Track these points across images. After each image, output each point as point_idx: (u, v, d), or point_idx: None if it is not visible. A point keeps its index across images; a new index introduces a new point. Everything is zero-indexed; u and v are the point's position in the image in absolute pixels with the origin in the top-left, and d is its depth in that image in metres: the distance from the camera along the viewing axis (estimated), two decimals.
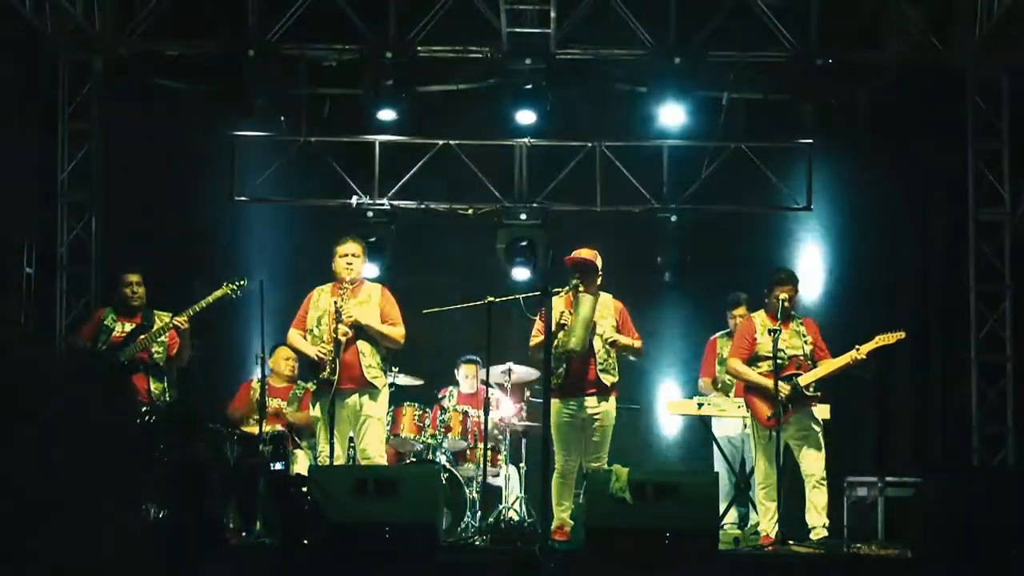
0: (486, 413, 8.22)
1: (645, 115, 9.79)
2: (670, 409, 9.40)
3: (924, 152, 10.25)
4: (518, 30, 9.47)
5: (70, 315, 9.74)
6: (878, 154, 10.27)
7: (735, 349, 8.39)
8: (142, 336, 8.15)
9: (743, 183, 10.15)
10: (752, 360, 8.20)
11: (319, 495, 6.68)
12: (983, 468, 9.34)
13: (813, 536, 7.92)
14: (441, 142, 10.04)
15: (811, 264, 10.40)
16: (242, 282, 8.15)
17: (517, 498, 8.96)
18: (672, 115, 9.64)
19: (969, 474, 8.46)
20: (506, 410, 9.08)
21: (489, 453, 8.60)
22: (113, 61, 9.94)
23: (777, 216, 10.43)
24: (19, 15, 9.24)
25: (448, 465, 8.82)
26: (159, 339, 8.16)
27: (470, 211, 10.20)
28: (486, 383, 8.37)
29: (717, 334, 9.48)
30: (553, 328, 7.49)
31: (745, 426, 8.90)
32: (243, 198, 10.08)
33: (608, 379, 7.97)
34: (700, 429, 9.57)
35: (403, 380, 9.06)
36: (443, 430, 8.98)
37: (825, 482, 8.03)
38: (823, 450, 8.10)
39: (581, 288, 7.92)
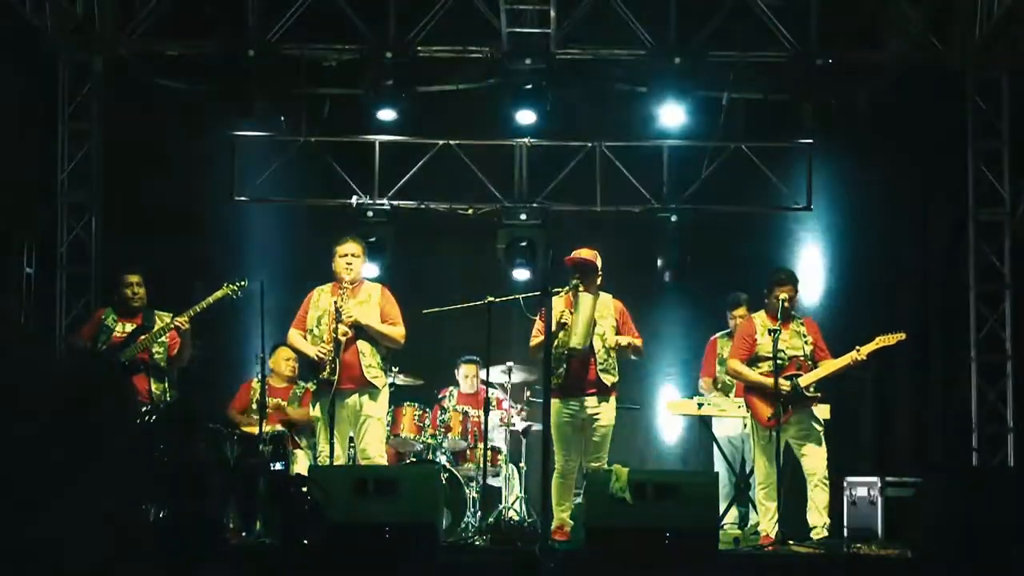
0: (486, 413, 8.22)
1: (645, 115, 9.80)
2: (670, 409, 9.41)
3: (924, 152, 10.26)
4: (518, 30, 9.48)
5: (70, 315, 9.74)
6: (878, 154, 10.28)
7: (735, 350, 8.40)
8: (143, 336, 8.15)
9: (743, 183, 10.15)
10: (752, 360, 8.21)
11: (319, 495, 6.68)
12: (983, 468, 9.34)
13: (814, 536, 7.93)
14: (441, 142, 10.05)
15: (811, 264, 10.40)
16: (243, 283, 8.15)
17: (517, 498, 8.96)
18: (672, 115, 9.64)
19: (969, 474, 8.46)
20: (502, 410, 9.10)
21: (489, 453, 8.60)
22: (113, 61, 9.94)
23: (777, 216, 10.43)
24: (19, 15, 9.25)
25: (448, 465, 8.82)
26: (160, 339, 8.16)
27: (470, 211, 10.20)
28: (486, 383, 8.36)
29: (717, 334, 9.48)
30: (553, 328, 7.50)
31: (745, 426, 8.90)
32: (243, 198, 10.09)
33: (608, 379, 7.97)
34: (700, 429, 9.58)
35: (403, 380, 9.05)
36: (443, 430, 8.99)
37: (827, 481, 8.03)
38: (825, 449, 8.11)
39: (581, 288, 7.92)
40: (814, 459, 8.06)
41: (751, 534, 8.59)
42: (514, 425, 9.15)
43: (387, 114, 9.71)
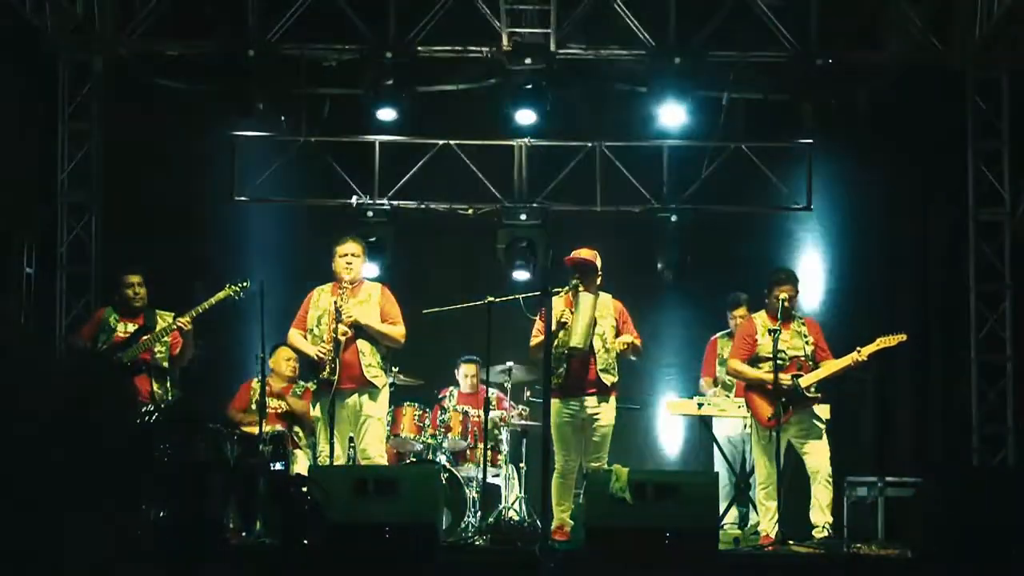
0: (486, 413, 8.22)
1: (645, 115, 9.79)
2: (670, 409, 9.40)
3: (924, 152, 10.25)
4: (518, 30, 9.47)
5: (70, 315, 9.74)
6: (878, 154, 10.28)
7: (736, 350, 8.40)
8: (145, 337, 8.15)
9: (743, 183, 10.15)
10: (753, 361, 8.21)
11: (319, 495, 6.68)
12: (983, 468, 9.33)
13: (816, 534, 7.92)
14: (441, 142, 10.05)
15: (811, 264, 10.40)
16: (245, 284, 8.14)
17: (517, 498, 8.97)
18: (672, 115, 9.63)
19: (969, 474, 8.45)
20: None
21: (489, 453, 8.60)
22: (113, 61, 9.94)
23: (777, 216, 10.43)
24: (19, 15, 9.25)
25: (448, 465, 8.82)
26: (163, 339, 8.17)
27: (470, 211, 10.20)
28: (486, 383, 8.36)
29: (717, 334, 9.48)
30: (553, 328, 7.50)
31: (745, 426, 8.91)
32: (243, 198, 10.08)
33: (608, 379, 7.97)
34: (700, 429, 9.58)
35: (403, 380, 9.05)
36: (443, 430, 8.99)
37: (831, 480, 8.03)
38: (827, 446, 8.11)
39: (581, 288, 7.92)
40: (817, 457, 8.06)
41: (751, 534, 8.59)
42: (514, 425, 9.15)
43: (387, 114, 9.70)
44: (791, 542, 7.79)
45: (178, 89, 9.88)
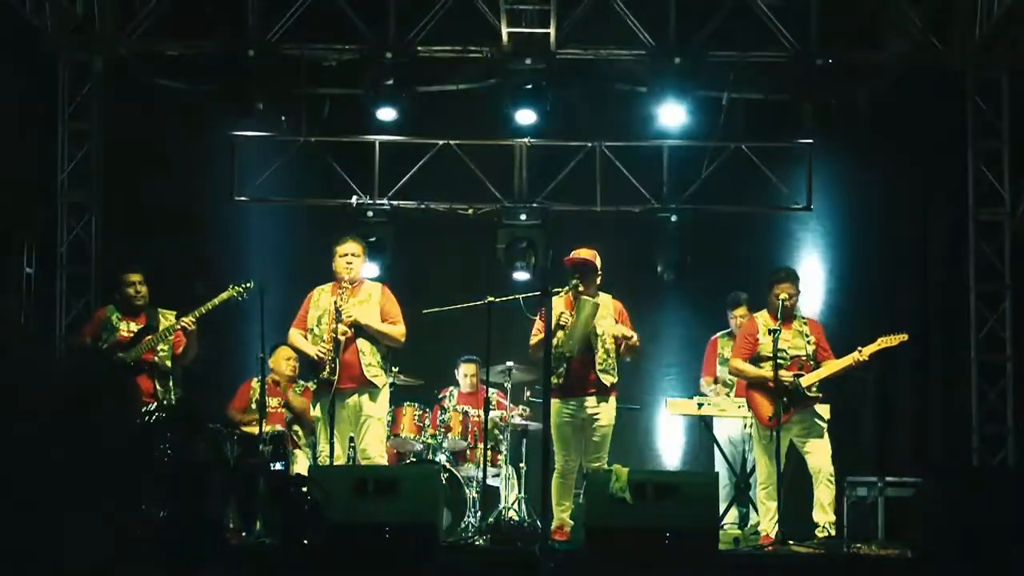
0: (486, 413, 8.22)
1: (645, 115, 9.79)
2: (670, 409, 9.40)
3: (924, 152, 10.26)
4: (518, 30, 9.47)
5: (70, 315, 9.74)
6: (878, 154, 10.28)
7: (737, 349, 8.40)
8: (148, 336, 8.16)
9: (743, 183, 10.15)
10: (754, 360, 8.21)
11: (319, 495, 6.68)
12: (983, 468, 9.33)
13: (818, 533, 7.92)
14: (441, 142, 10.04)
15: (811, 264, 10.39)
16: (248, 284, 8.12)
17: (517, 498, 8.97)
18: (672, 115, 9.64)
19: (969, 474, 8.46)
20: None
21: (489, 453, 8.60)
22: (113, 61, 9.94)
23: (777, 216, 10.43)
24: (19, 15, 9.25)
25: (448, 465, 8.82)
26: (166, 339, 8.17)
27: (470, 211, 10.20)
28: (486, 383, 8.36)
29: (718, 334, 9.48)
30: (553, 328, 7.50)
31: (746, 426, 8.91)
32: (243, 198, 10.08)
33: (608, 379, 7.97)
34: (700, 429, 9.58)
35: (403, 380, 9.05)
36: (443, 430, 8.99)
37: (833, 479, 8.04)
38: (829, 445, 8.11)
39: (581, 288, 7.92)
40: (818, 456, 8.06)
41: (751, 534, 8.59)
42: (515, 424, 9.14)
43: (387, 114, 9.71)
44: (791, 542, 7.79)
45: (178, 89, 9.88)
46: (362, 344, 7.88)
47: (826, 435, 8.13)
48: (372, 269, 9.10)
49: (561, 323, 7.82)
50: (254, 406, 8.62)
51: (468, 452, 9.09)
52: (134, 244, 9.60)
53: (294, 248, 10.14)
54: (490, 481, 8.93)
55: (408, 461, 9.09)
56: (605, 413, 7.98)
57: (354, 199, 9.98)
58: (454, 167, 10.04)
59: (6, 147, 9.31)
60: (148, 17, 9.72)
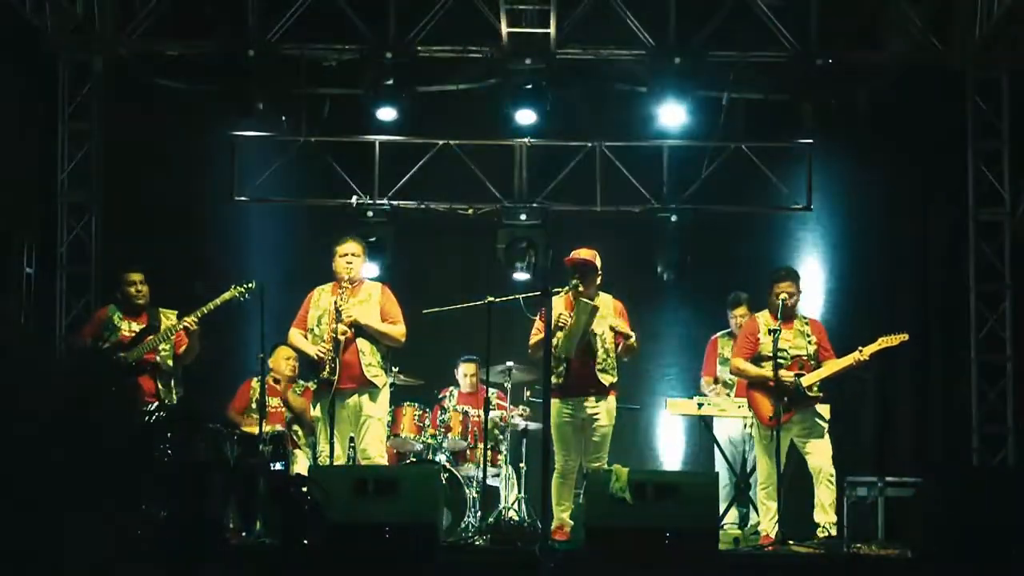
0: (486, 413, 8.22)
1: (645, 115, 9.80)
2: (670, 409, 9.40)
3: (924, 152, 10.26)
4: (518, 30, 9.47)
5: (70, 315, 9.74)
6: (878, 154, 10.28)
7: (739, 349, 8.40)
8: (150, 337, 8.16)
9: (743, 183, 10.15)
10: (755, 360, 8.21)
11: (319, 495, 6.68)
12: (983, 468, 9.33)
13: (820, 534, 7.92)
14: (441, 142, 10.04)
15: (811, 264, 10.39)
16: (250, 285, 8.12)
17: (517, 498, 8.96)
18: (672, 115, 9.64)
19: (969, 474, 8.46)
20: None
21: (489, 453, 8.60)
22: (113, 61, 9.94)
23: (777, 216, 10.43)
24: (19, 15, 9.25)
25: (448, 465, 8.82)
26: (168, 339, 8.18)
27: (470, 211, 10.20)
28: (486, 383, 8.36)
29: (718, 333, 9.48)
30: (552, 328, 7.49)
31: (746, 426, 8.91)
32: (243, 198, 10.08)
33: (607, 379, 7.97)
34: (700, 429, 9.58)
35: (403, 380, 9.05)
36: (443, 430, 8.99)
37: (834, 479, 8.03)
38: (829, 445, 8.11)
39: (581, 288, 7.92)
40: (819, 456, 8.06)
41: (751, 534, 8.59)
42: (515, 425, 9.15)
43: (387, 114, 9.71)
44: (791, 542, 7.79)
45: (178, 89, 9.88)
46: (362, 344, 7.88)
47: (827, 435, 8.13)
48: (372, 269, 9.10)
49: (560, 324, 7.82)
50: (254, 406, 8.62)
51: (468, 452, 9.09)
52: (134, 244, 9.59)
53: (294, 248, 10.14)
54: (490, 481, 8.92)
55: (408, 461, 9.09)
56: (605, 413, 7.97)
57: (354, 199, 9.97)
58: (454, 167, 10.04)
59: (6, 147, 9.31)
60: (148, 17, 9.72)
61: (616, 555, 6.84)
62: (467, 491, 8.72)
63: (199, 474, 6.67)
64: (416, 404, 9.07)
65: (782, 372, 7.99)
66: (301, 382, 9.14)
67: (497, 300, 7.97)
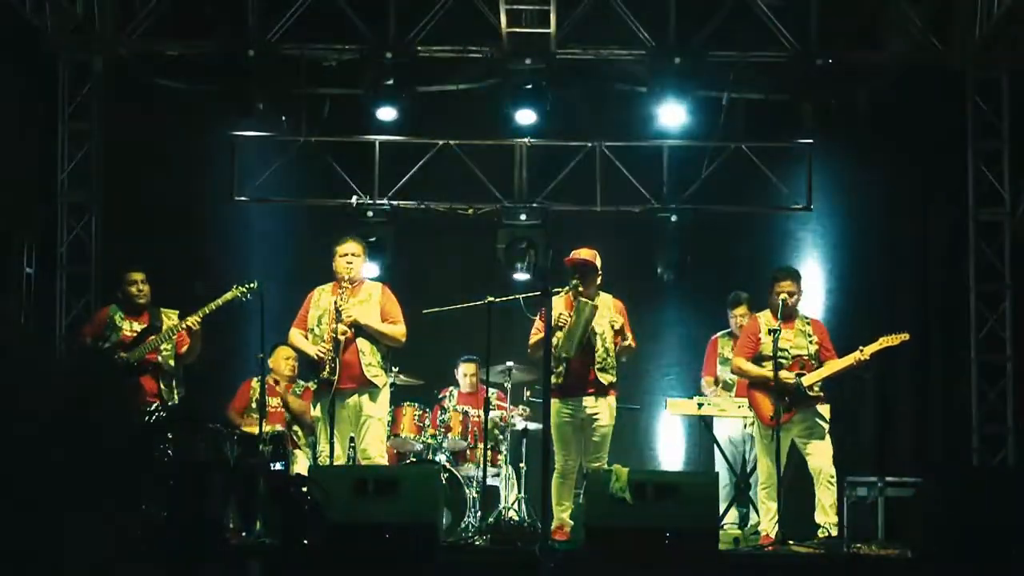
0: (486, 413, 8.22)
1: (645, 115, 9.80)
2: (670, 409, 9.39)
3: (924, 152, 10.26)
4: (518, 30, 9.47)
5: (70, 315, 9.74)
6: (878, 154, 10.28)
7: (740, 348, 8.40)
8: (152, 337, 8.16)
9: (743, 183, 10.15)
10: (757, 359, 8.21)
11: (319, 495, 6.68)
12: (983, 468, 9.34)
13: (820, 534, 7.92)
14: (441, 142, 10.04)
15: (811, 264, 10.39)
16: (252, 285, 8.12)
17: (517, 498, 8.96)
18: (672, 115, 9.64)
19: (969, 474, 8.46)
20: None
21: (489, 453, 8.60)
22: (113, 61, 9.94)
23: (777, 216, 10.43)
24: (19, 15, 9.25)
25: (448, 465, 8.82)
26: (170, 339, 8.18)
27: (470, 211, 10.20)
28: (486, 383, 8.37)
29: (718, 333, 9.48)
30: (552, 328, 7.49)
31: (746, 426, 8.91)
32: (243, 198, 10.08)
33: (607, 378, 7.97)
34: (700, 429, 9.58)
35: (403, 380, 9.05)
36: (443, 430, 8.99)
37: (834, 480, 8.03)
38: (830, 446, 8.10)
39: (581, 288, 7.92)
40: (820, 457, 8.05)
41: (751, 534, 8.59)
42: (515, 425, 9.15)
43: (387, 114, 9.71)
44: (791, 542, 7.79)
45: (178, 89, 9.88)
46: (362, 344, 7.88)
47: (828, 437, 8.13)
48: (372, 269, 9.10)
49: (560, 324, 7.82)
50: (254, 406, 8.62)
51: (468, 452, 9.09)
52: (134, 244, 9.59)
53: (294, 248, 10.14)
54: (490, 481, 8.92)
55: (408, 461, 9.09)
56: (604, 413, 7.97)
57: (354, 199, 9.97)
58: (454, 167, 10.05)
59: (6, 147, 9.31)
60: (148, 17, 9.72)
61: (616, 555, 6.84)
62: (467, 491, 8.72)
63: (199, 474, 6.67)
64: (416, 404, 9.07)
65: (783, 373, 7.99)
66: (301, 382, 9.14)
67: (497, 300, 7.98)
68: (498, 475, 9.08)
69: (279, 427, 8.73)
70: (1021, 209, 9.77)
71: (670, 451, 10.47)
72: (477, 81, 10.03)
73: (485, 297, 7.97)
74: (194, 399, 8.40)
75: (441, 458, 8.92)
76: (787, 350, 8.05)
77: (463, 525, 8.60)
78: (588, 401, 7.94)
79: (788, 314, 8.12)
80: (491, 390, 8.43)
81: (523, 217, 9.92)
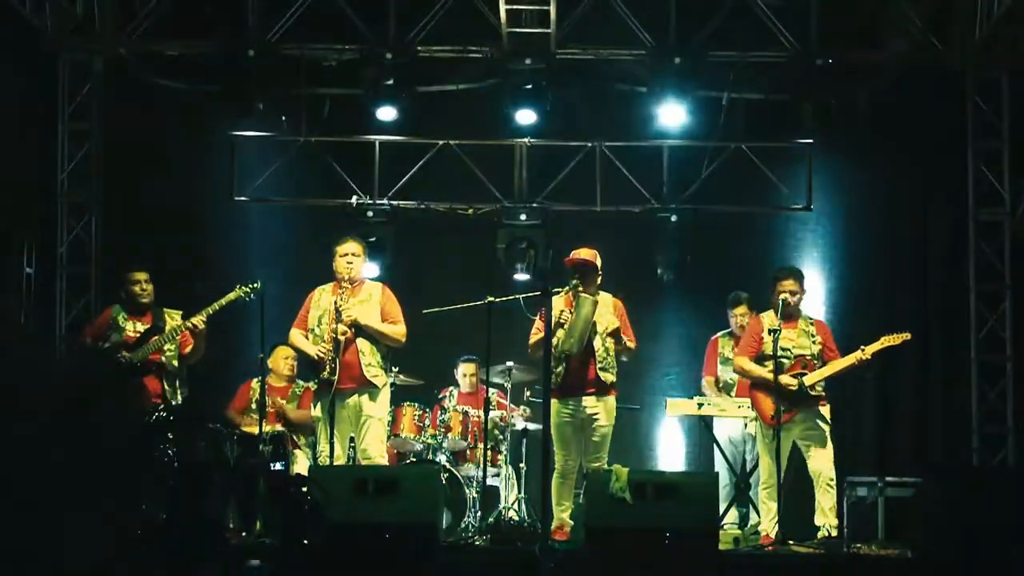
0: (486, 413, 8.22)
1: (645, 115, 9.80)
2: (670, 410, 9.39)
3: (924, 152, 10.26)
4: (518, 30, 9.48)
5: (70, 315, 9.75)
6: (878, 154, 10.28)
7: (743, 348, 8.40)
8: (155, 337, 8.16)
9: (743, 183, 10.14)
10: (759, 359, 8.21)
11: (319, 495, 6.68)
12: (983, 468, 9.34)
13: (820, 535, 7.92)
14: (441, 142, 10.04)
15: (811, 264, 10.39)
16: (255, 285, 8.12)
17: (517, 498, 8.97)
18: (672, 115, 9.64)
19: (969, 474, 8.46)
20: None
21: (489, 453, 8.60)
22: (113, 61, 9.94)
23: (777, 216, 10.43)
24: (19, 15, 9.25)
25: (448, 465, 8.82)
26: (173, 339, 8.18)
27: (470, 211, 10.20)
28: (486, 383, 8.36)
29: (718, 333, 9.48)
30: (553, 327, 7.49)
31: (746, 426, 8.91)
32: (243, 198, 10.08)
33: (607, 378, 7.97)
34: (700, 429, 9.57)
35: (403, 380, 9.05)
36: (443, 430, 8.99)
37: (834, 483, 8.03)
38: (831, 449, 8.10)
39: (580, 288, 7.92)
40: (820, 460, 8.05)
41: (751, 534, 8.59)
42: (514, 425, 9.15)
43: (387, 114, 9.71)
44: (791, 542, 7.79)
45: (178, 89, 9.88)
46: (362, 344, 7.88)
47: (829, 439, 8.12)
48: (372, 269, 9.09)
49: (561, 321, 7.82)
50: (254, 406, 8.62)
51: (468, 452, 9.09)
52: (134, 244, 9.60)
53: (294, 248, 10.14)
54: (490, 481, 8.92)
55: (408, 461, 9.09)
56: (604, 413, 7.98)
57: (354, 199, 9.97)
58: (454, 167, 10.04)
59: (6, 147, 9.31)
60: (148, 17, 9.72)
61: (616, 555, 6.84)
62: (467, 491, 8.72)
63: (199, 474, 6.67)
64: (416, 404, 9.07)
65: (784, 377, 7.97)
66: (301, 382, 9.14)
67: (497, 300, 7.98)
68: (498, 475, 9.07)
69: (279, 427, 8.73)
70: (1021, 209, 9.77)
71: (670, 451, 10.46)
72: (477, 81, 10.03)
73: (485, 297, 7.98)
74: (197, 399, 8.40)
75: (441, 458, 8.92)
76: (790, 350, 8.05)
77: (463, 525, 8.59)
78: (588, 401, 7.94)
79: (790, 314, 8.12)
80: (491, 390, 8.43)
81: (523, 217, 9.92)
